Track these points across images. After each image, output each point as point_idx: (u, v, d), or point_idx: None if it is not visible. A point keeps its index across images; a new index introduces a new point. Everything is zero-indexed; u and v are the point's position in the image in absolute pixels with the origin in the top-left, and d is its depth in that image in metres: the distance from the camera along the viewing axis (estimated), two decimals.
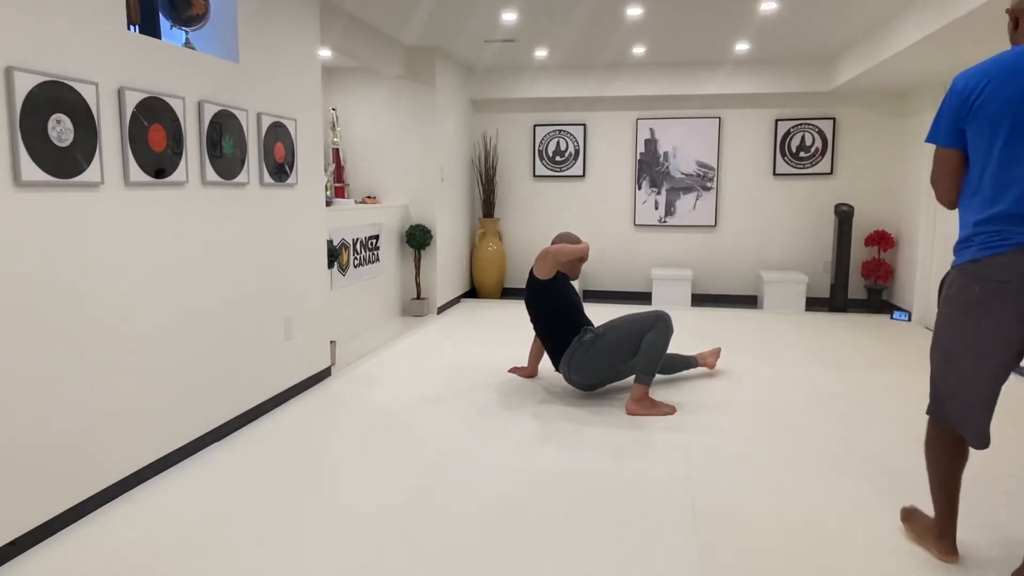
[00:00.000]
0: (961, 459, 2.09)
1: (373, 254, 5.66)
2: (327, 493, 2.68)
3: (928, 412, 2.15)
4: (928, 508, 2.45)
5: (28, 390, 2.24)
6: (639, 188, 7.26)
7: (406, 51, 6.00)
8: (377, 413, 3.62)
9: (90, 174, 2.44)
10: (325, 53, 5.03)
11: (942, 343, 2.02)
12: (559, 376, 4.25)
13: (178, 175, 2.90)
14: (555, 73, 6.97)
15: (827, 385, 4.16)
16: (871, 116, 6.76)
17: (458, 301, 7.05)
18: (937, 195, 2.04)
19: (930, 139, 2.01)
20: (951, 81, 1.94)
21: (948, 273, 2.03)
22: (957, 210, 2.02)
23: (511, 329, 5.69)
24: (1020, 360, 1.92)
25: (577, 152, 7.34)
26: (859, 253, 6.90)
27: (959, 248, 1.96)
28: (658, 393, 3.94)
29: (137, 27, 2.90)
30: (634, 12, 4.77)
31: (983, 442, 1.98)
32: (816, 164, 6.89)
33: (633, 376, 3.76)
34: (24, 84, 2.18)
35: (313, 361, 4.10)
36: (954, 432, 2.06)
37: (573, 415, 3.60)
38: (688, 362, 4.28)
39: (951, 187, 1.99)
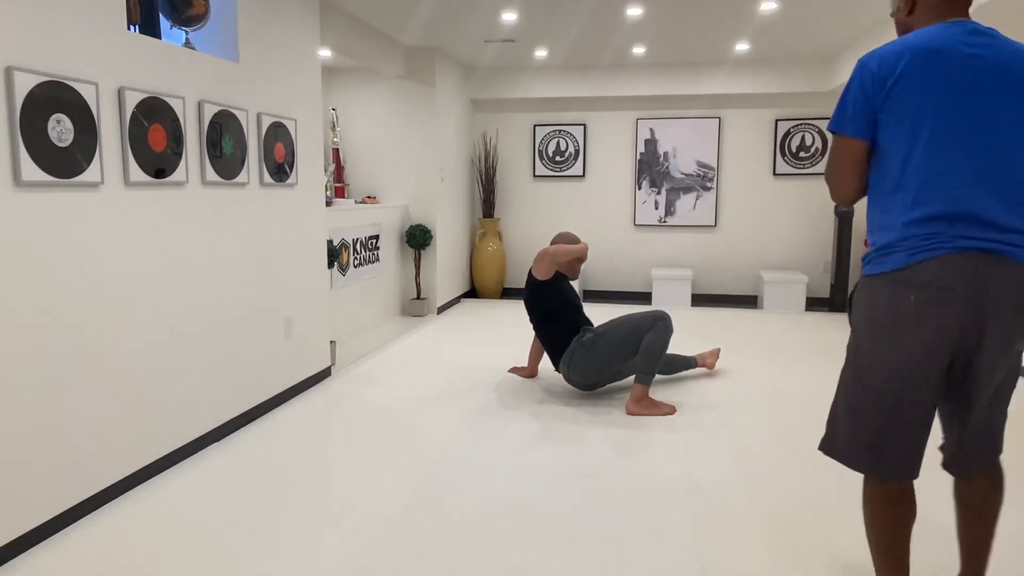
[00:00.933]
0: (911, 515, 1.72)
1: (373, 254, 5.66)
2: (327, 493, 2.68)
3: (823, 449, 1.81)
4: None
5: (27, 390, 2.24)
6: (639, 188, 7.26)
7: (406, 51, 6.00)
8: (377, 413, 3.62)
9: (90, 174, 2.44)
10: (325, 53, 5.03)
11: (864, 366, 1.70)
12: (559, 376, 4.25)
13: (178, 175, 2.90)
14: (555, 73, 6.97)
15: (828, 385, 4.16)
16: None
17: (458, 301, 7.05)
18: (834, 191, 1.76)
19: (834, 127, 1.72)
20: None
21: (861, 285, 1.73)
22: (851, 206, 1.81)
23: (511, 329, 5.70)
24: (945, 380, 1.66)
25: (577, 152, 7.34)
26: (859, 253, 6.89)
27: (879, 255, 1.67)
28: (658, 393, 3.94)
29: (137, 27, 2.90)
30: (634, 12, 4.77)
31: (915, 472, 1.68)
32: (816, 164, 6.89)
33: (633, 376, 3.76)
34: (24, 84, 2.18)
35: (313, 361, 4.10)
36: (897, 482, 1.70)
37: (573, 415, 3.60)
38: (688, 362, 4.28)
39: (852, 182, 1.72)
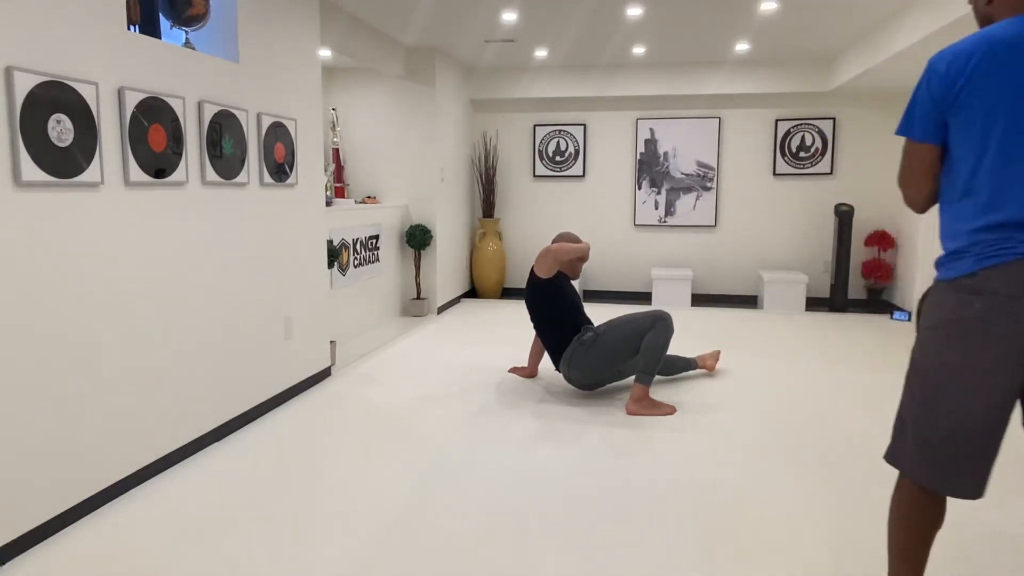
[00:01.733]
0: (939, 523, 1.69)
1: (373, 254, 5.66)
2: (327, 493, 2.68)
3: (888, 459, 1.74)
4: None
5: (28, 390, 2.24)
6: (639, 188, 7.26)
7: (406, 51, 6.00)
8: (377, 413, 3.62)
9: (90, 174, 2.44)
10: (325, 53, 5.03)
11: (929, 374, 1.63)
12: (559, 376, 4.25)
13: (178, 175, 2.90)
14: (555, 73, 6.97)
15: (827, 385, 4.16)
16: (871, 116, 6.76)
17: (458, 301, 7.05)
18: (907, 196, 1.71)
19: (903, 132, 1.67)
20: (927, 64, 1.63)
21: (930, 291, 1.68)
22: (924, 212, 1.72)
23: (511, 329, 5.69)
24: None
25: (577, 152, 7.34)
26: (859, 253, 6.90)
27: (947, 261, 1.62)
28: (658, 393, 3.94)
29: (137, 27, 2.90)
30: (634, 12, 4.77)
31: (979, 491, 1.60)
32: (816, 164, 6.89)
33: (633, 376, 3.76)
34: (24, 84, 2.18)
35: (313, 361, 4.10)
36: (932, 491, 1.65)
37: (573, 415, 3.60)
38: (688, 364, 4.28)
39: (924, 187, 1.67)
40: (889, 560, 1.74)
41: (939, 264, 1.66)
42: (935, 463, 1.62)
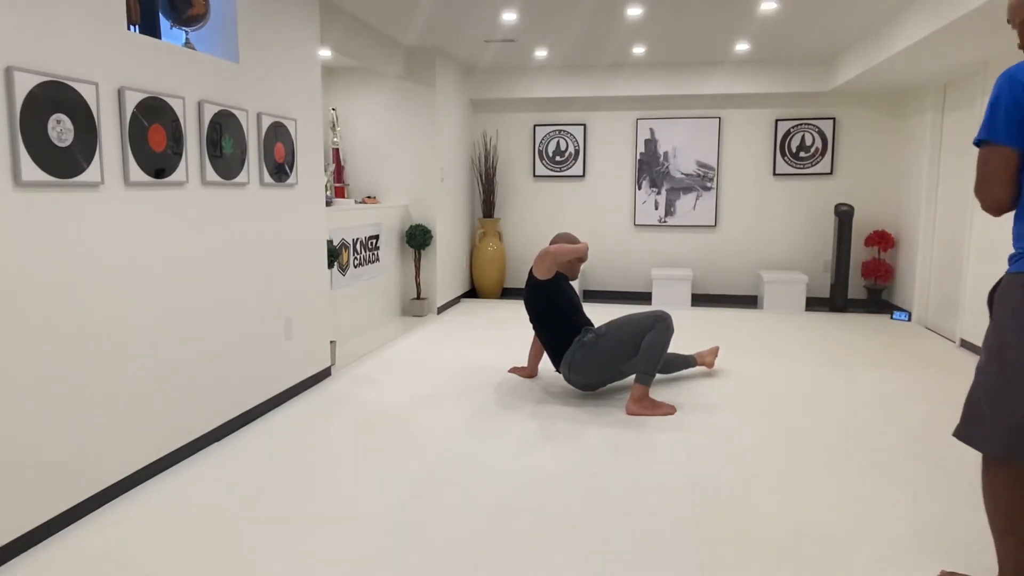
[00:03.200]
0: None
1: (373, 254, 5.66)
2: (327, 493, 2.68)
3: (958, 437, 1.85)
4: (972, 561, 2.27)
5: (28, 390, 2.24)
6: (639, 188, 7.26)
7: (406, 51, 6.00)
8: (377, 413, 3.62)
9: (90, 174, 2.44)
10: (325, 53, 5.03)
11: (1012, 361, 1.72)
12: (559, 376, 4.25)
13: (178, 175, 2.90)
14: (555, 73, 6.97)
15: (827, 385, 4.16)
16: (871, 116, 6.76)
17: (458, 301, 7.05)
18: (988, 199, 1.77)
19: (985, 136, 1.74)
20: (999, 76, 1.75)
21: (1001, 281, 1.80)
22: (1002, 215, 1.84)
23: (511, 329, 5.70)
24: None
25: (577, 152, 7.34)
26: (859, 253, 6.90)
27: (1019, 258, 1.75)
28: (658, 393, 3.94)
29: (137, 27, 2.90)
30: (634, 12, 4.77)
31: None
32: (816, 164, 6.89)
33: (633, 376, 3.76)
34: (24, 84, 2.18)
35: (313, 361, 4.11)
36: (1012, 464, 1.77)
37: (573, 415, 3.60)
38: (687, 361, 4.28)
39: (1005, 190, 1.73)
40: (995, 543, 1.82)
41: (1012, 259, 1.78)
42: (1007, 438, 1.72)
